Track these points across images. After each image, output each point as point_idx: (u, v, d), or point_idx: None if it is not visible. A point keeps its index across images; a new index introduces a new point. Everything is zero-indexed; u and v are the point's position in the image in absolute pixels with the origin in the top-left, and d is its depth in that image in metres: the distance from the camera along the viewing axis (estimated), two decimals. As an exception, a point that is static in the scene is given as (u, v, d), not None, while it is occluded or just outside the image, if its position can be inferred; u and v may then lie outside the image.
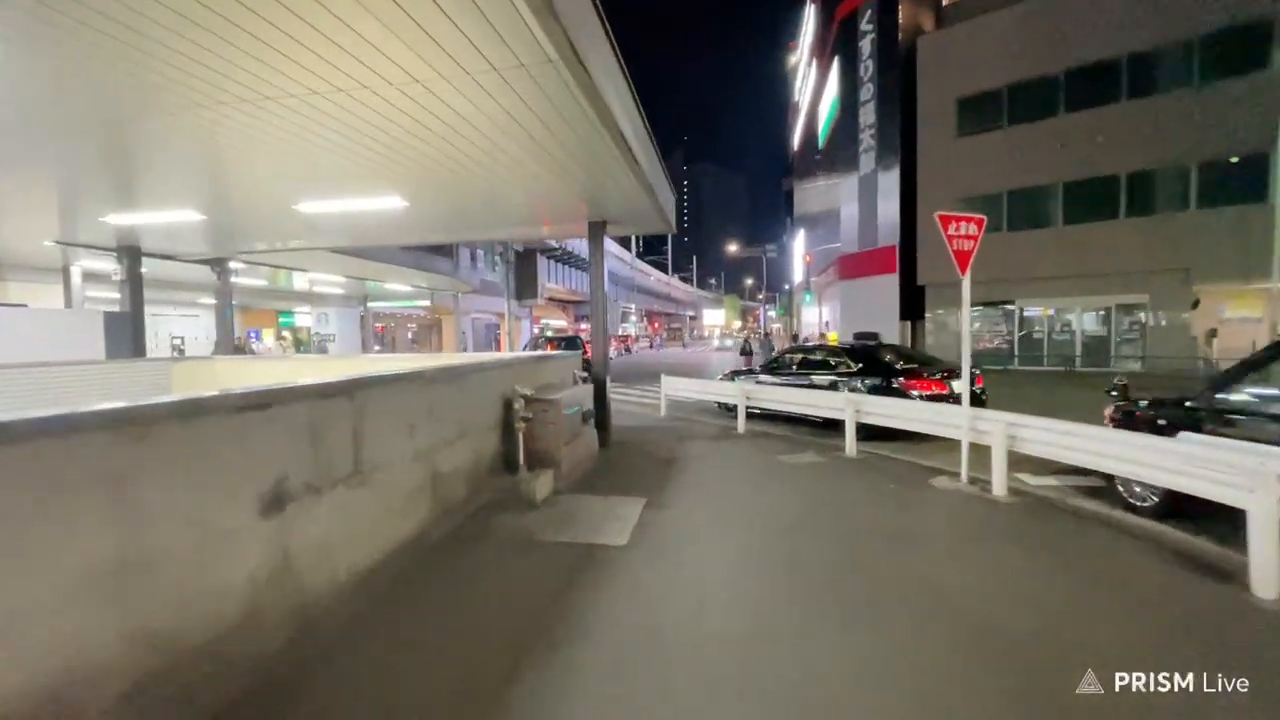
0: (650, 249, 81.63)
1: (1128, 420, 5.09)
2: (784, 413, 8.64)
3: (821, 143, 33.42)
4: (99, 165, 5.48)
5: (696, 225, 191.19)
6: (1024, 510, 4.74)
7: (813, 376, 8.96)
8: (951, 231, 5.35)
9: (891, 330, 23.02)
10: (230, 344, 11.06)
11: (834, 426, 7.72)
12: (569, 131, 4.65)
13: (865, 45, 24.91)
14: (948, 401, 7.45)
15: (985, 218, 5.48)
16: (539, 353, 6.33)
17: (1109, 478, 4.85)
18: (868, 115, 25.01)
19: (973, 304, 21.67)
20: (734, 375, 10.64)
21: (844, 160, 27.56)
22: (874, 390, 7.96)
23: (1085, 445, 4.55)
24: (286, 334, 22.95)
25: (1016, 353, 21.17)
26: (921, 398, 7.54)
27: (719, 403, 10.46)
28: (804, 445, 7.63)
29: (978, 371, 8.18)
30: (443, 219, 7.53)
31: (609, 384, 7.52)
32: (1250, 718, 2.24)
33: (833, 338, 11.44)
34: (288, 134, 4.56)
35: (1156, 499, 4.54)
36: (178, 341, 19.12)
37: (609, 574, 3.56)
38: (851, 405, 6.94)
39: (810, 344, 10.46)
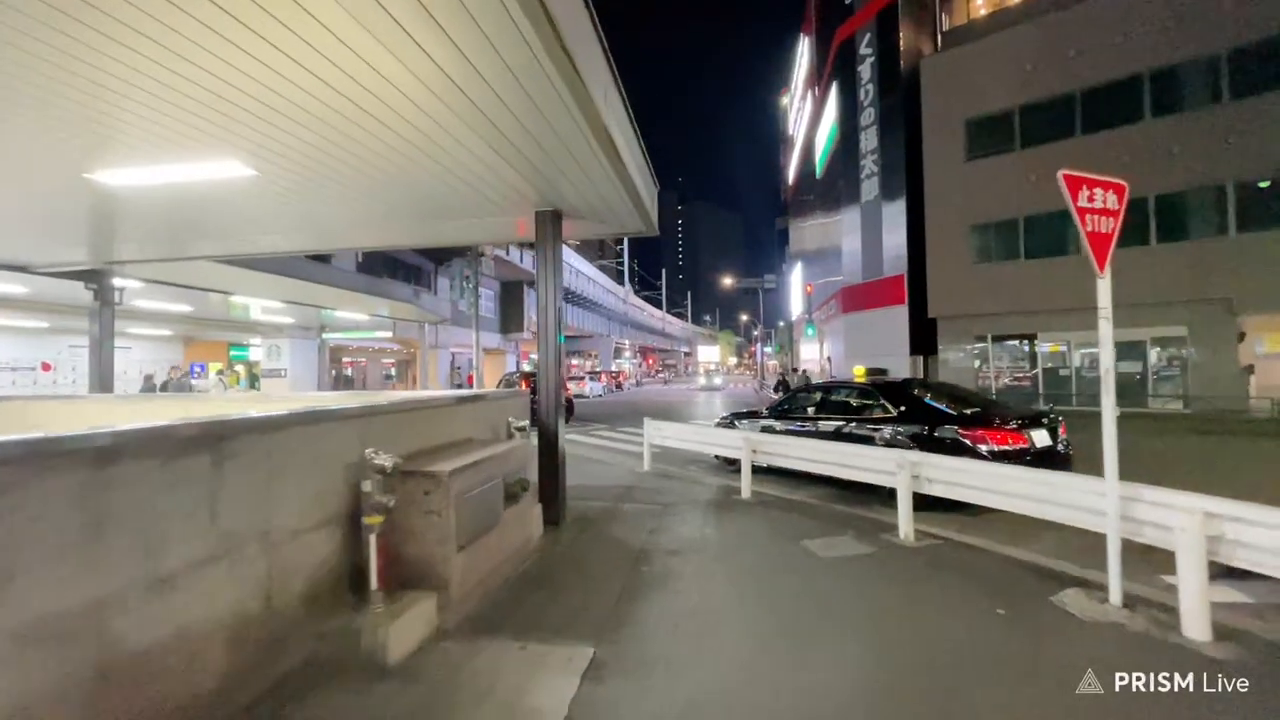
0: (644, 284, 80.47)
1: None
2: (798, 469, 6.54)
3: (819, 173, 32.30)
4: None
5: (692, 263, 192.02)
6: (1261, 674, 2.63)
7: (837, 423, 6.90)
8: (1083, 203, 3.39)
9: (901, 365, 21.13)
10: (109, 381, 8.91)
11: (867, 487, 5.66)
12: (510, 83, 2.93)
13: (865, 69, 23.84)
14: (1027, 459, 5.42)
15: (1126, 184, 3.53)
16: (450, 393, 4.16)
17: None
18: (869, 141, 23.74)
19: (990, 338, 19.88)
20: (733, 419, 8.55)
21: (844, 189, 26.23)
22: (922, 442, 5.91)
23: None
24: (238, 369, 20.78)
25: (1041, 390, 19.23)
26: (991, 454, 5.49)
27: (717, 454, 8.36)
28: (834, 520, 5.51)
29: (1060, 419, 6.16)
30: (321, 204, 5.53)
31: (562, 436, 5.43)
32: None
33: (859, 373, 9.37)
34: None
35: None
36: (103, 377, 16.95)
37: None
38: (907, 468, 4.87)
39: (831, 382, 8.37)
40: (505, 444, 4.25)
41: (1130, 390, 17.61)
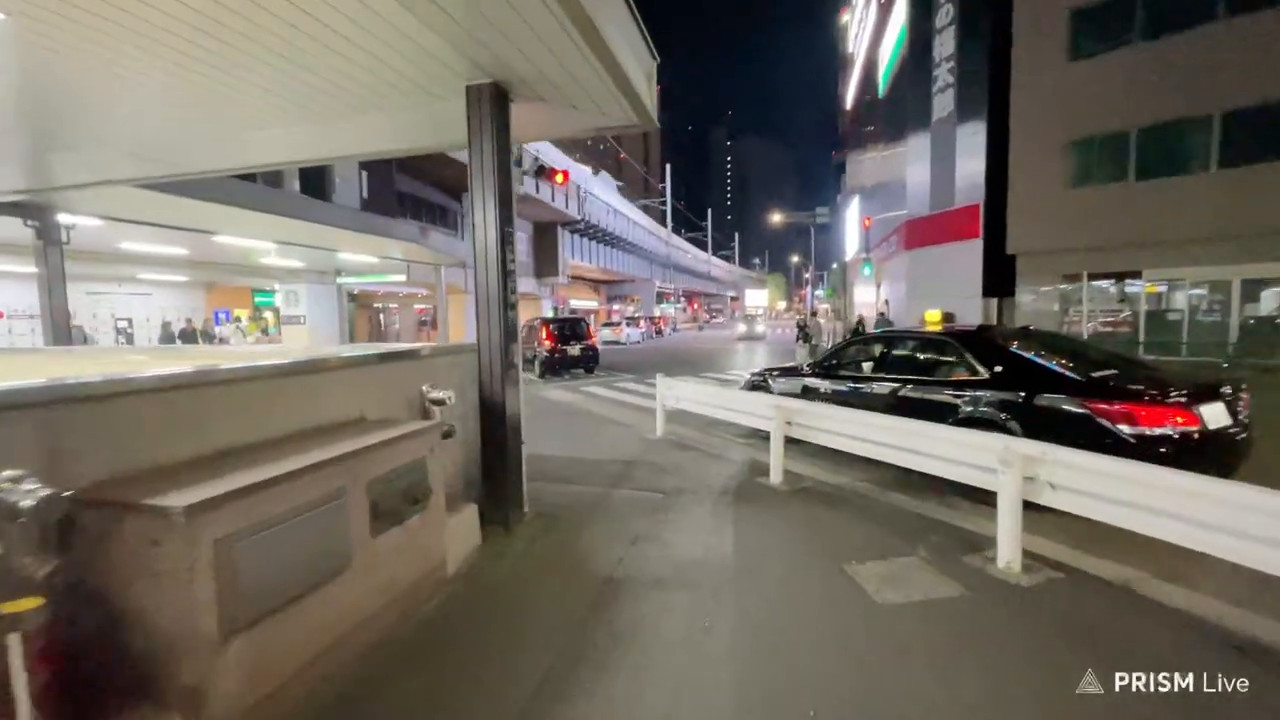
0: (689, 225, 76.92)
1: None
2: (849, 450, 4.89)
3: (883, 91, 28.59)
4: None
5: (741, 202, 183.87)
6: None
7: (901, 387, 5.18)
8: None
9: (973, 310, 18.56)
10: (66, 330, 8.03)
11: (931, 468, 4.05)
12: None
13: (943, -44, 20.10)
14: (1196, 448, 3.64)
15: None
16: (326, 353, 2.60)
17: None
18: (944, 45, 20.28)
19: (1086, 276, 17.01)
20: (765, 377, 6.90)
21: (911, 109, 22.88)
22: (1028, 418, 4.17)
23: None
24: (266, 315, 20.37)
25: (1142, 339, 16.45)
26: (1139, 439, 3.70)
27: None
28: (895, 524, 3.93)
29: (1243, 387, 4.24)
30: (155, 101, 4.06)
31: (519, 406, 3.98)
32: None
33: (932, 319, 7.29)
34: None
35: None
36: (124, 325, 16.71)
37: None
38: (1016, 465, 3.19)
39: (893, 330, 6.34)
40: (399, 428, 2.83)
41: (1262, 338, 14.71)
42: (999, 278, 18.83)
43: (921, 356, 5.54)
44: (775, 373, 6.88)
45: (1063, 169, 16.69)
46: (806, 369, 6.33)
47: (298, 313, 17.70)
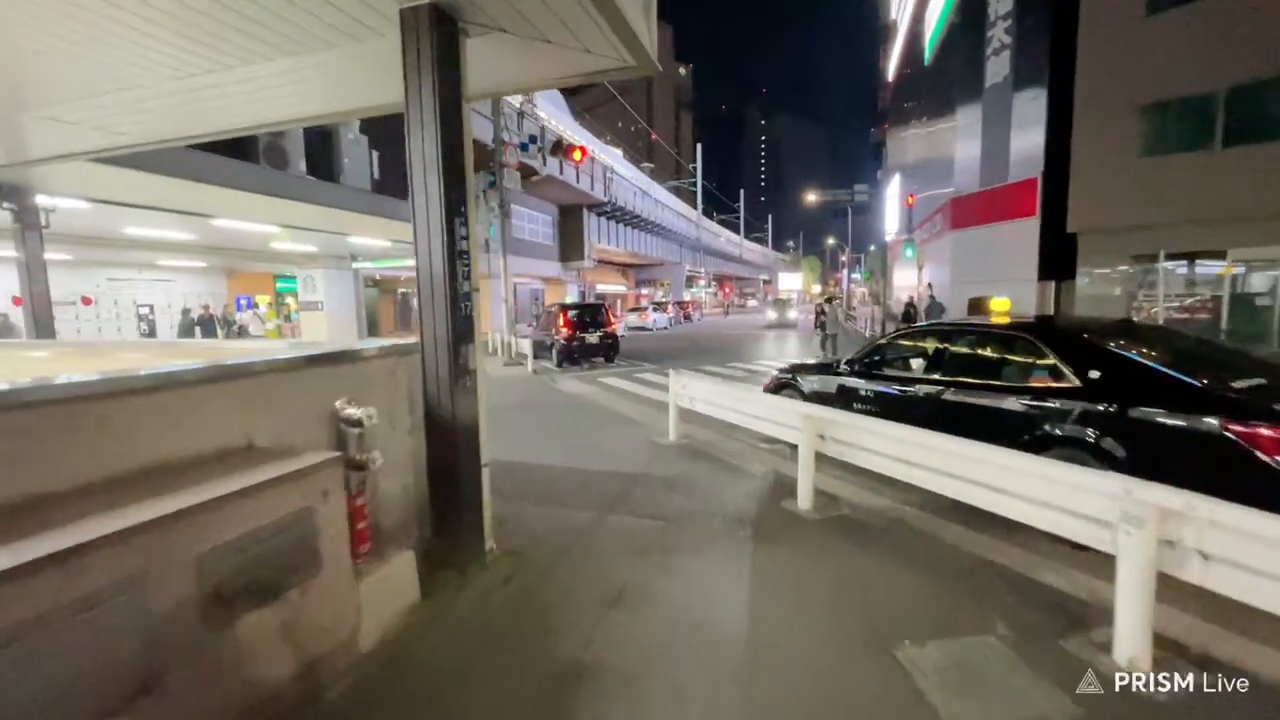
0: (721, 207, 74.86)
1: None
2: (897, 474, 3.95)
3: (928, 59, 26.68)
4: None
5: (775, 184, 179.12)
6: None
7: (962, 393, 4.20)
8: None
9: (1026, 294, 17.02)
10: (47, 322, 7.59)
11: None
12: None
13: (1001, -97, 18.23)
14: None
15: None
16: (179, 366, 1.76)
17: None
18: (1000, 2, 18.49)
19: (1162, 255, 15.29)
20: (794, 375, 5.95)
21: (960, 76, 21.16)
22: (1132, 439, 3.20)
23: None
24: (289, 301, 20.19)
25: (1225, 327, 14.73)
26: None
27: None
28: (959, 576, 3.02)
29: None
30: None
31: (480, 418, 3.18)
32: None
33: (999, 307, 6.03)
34: None
35: None
36: (145, 311, 16.64)
37: None
38: (1150, 525, 2.24)
39: (948, 323, 5.16)
40: (271, 469, 2.05)
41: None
42: (1057, 259, 17.20)
43: (987, 355, 4.52)
44: (807, 369, 5.93)
45: (1136, 137, 14.95)
46: (844, 367, 5.35)
47: (315, 299, 17.37)
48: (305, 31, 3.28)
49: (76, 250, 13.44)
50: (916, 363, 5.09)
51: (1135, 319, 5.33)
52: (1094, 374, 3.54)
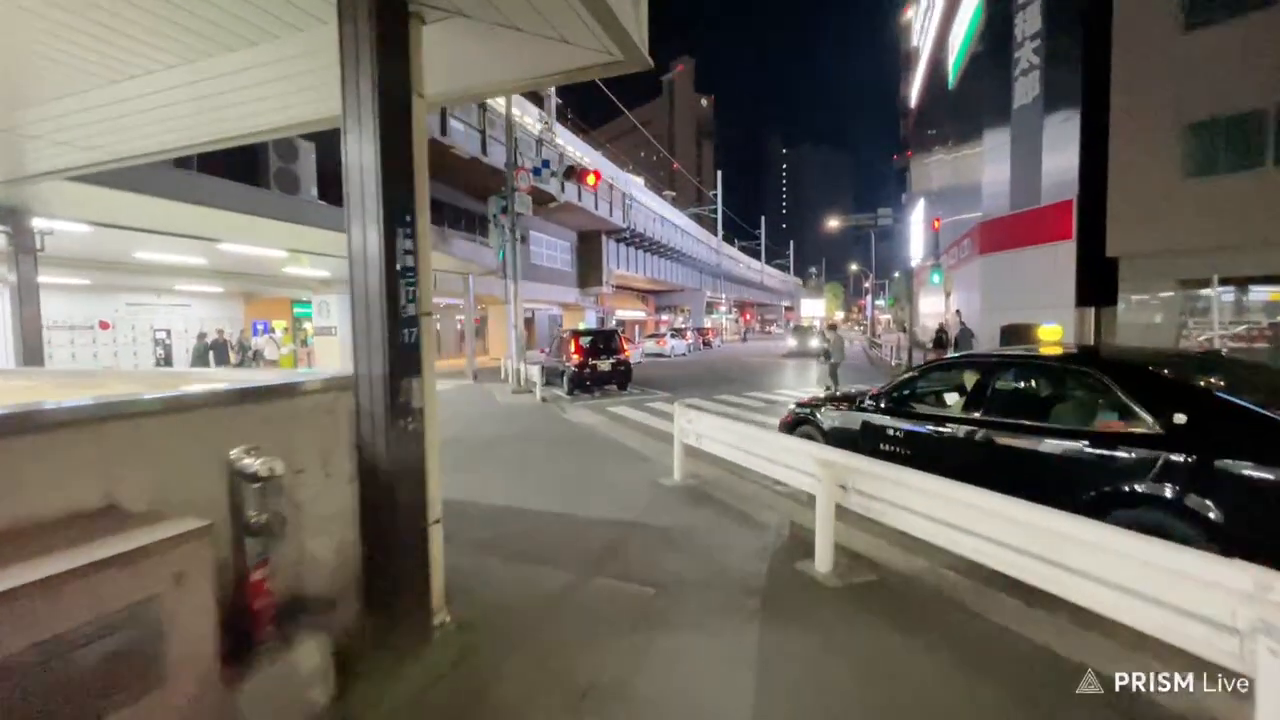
0: (742, 234, 74.58)
1: None
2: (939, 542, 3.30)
3: (952, 82, 26.22)
4: None
5: (796, 210, 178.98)
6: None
7: (1014, 436, 3.55)
8: None
9: (1063, 321, 16.10)
10: (37, 349, 7.36)
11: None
12: None
13: (1026, -76, 17.89)
14: None
15: None
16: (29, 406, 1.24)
17: None
18: (1029, 22, 18.03)
19: (1215, 280, 14.30)
20: (812, 410, 5.33)
21: (987, 98, 20.64)
22: (1235, 503, 2.54)
23: None
24: (306, 326, 20.18)
25: (1284, 355, 13.62)
26: None
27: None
28: (1020, 682, 2.35)
29: None
30: None
31: (429, 467, 2.66)
32: None
33: (1050, 335, 5.35)
34: None
35: None
36: (162, 336, 16.71)
37: None
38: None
39: (992, 354, 4.47)
40: (88, 552, 1.56)
41: None
42: (1095, 284, 16.29)
43: (1038, 391, 3.89)
44: (827, 404, 5.32)
45: (1180, 157, 14.16)
46: (869, 402, 4.73)
47: (329, 324, 17.27)
48: (243, 37, 2.90)
49: (94, 275, 13.52)
50: (952, 398, 4.46)
51: (1213, 348, 4.64)
52: (1178, 418, 2.89)
